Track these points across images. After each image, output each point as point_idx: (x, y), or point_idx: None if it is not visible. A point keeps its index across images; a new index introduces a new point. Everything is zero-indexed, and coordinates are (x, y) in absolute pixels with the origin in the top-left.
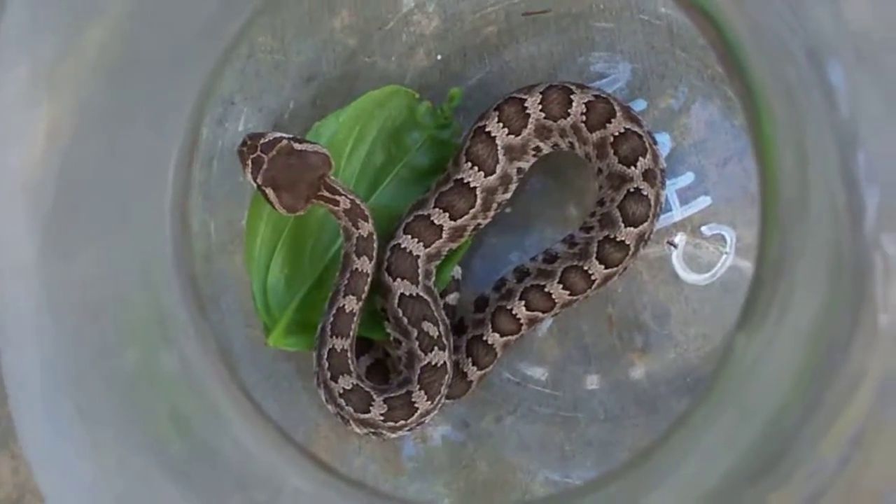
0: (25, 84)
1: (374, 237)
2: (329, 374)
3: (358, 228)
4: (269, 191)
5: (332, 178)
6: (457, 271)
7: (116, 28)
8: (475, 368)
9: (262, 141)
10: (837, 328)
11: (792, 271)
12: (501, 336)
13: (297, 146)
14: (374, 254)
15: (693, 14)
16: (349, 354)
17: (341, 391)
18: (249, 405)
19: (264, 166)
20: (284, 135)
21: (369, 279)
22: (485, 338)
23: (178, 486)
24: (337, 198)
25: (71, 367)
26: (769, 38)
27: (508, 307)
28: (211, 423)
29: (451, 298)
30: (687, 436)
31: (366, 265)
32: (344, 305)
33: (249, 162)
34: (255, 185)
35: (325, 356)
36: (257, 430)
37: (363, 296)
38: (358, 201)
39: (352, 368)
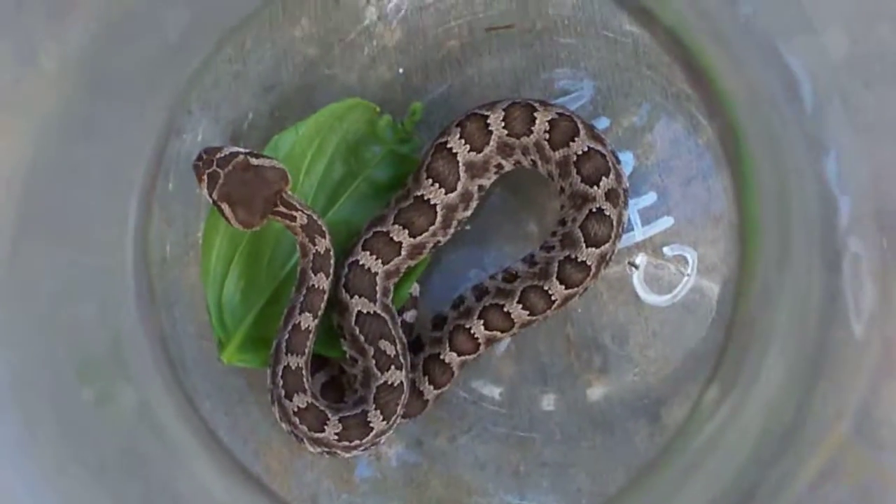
0: None
1: (332, 253)
2: (283, 392)
3: (315, 245)
4: (224, 206)
5: (289, 193)
6: (415, 288)
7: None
8: (432, 387)
9: (218, 156)
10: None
11: (773, 296)
12: (459, 355)
13: (253, 161)
14: (332, 270)
15: (656, 31)
16: (304, 372)
17: (296, 409)
18: (207, 435)
19: (220, 181)
20: (241, 149)
21: (325, 296)
22: (442, 357)
23: None
24: (294, 213)
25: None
26: (740, 56)
27: (467, 326)
28: (168, 458)
29: (409, 316)
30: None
31: (322, 282)
32: (300, 322)
33: (205, 177)
34: (210, 200)
35: (280, 374)
36: (215, 462)
37: (319, 313)
38: (315, 217)
39: (307, 387)
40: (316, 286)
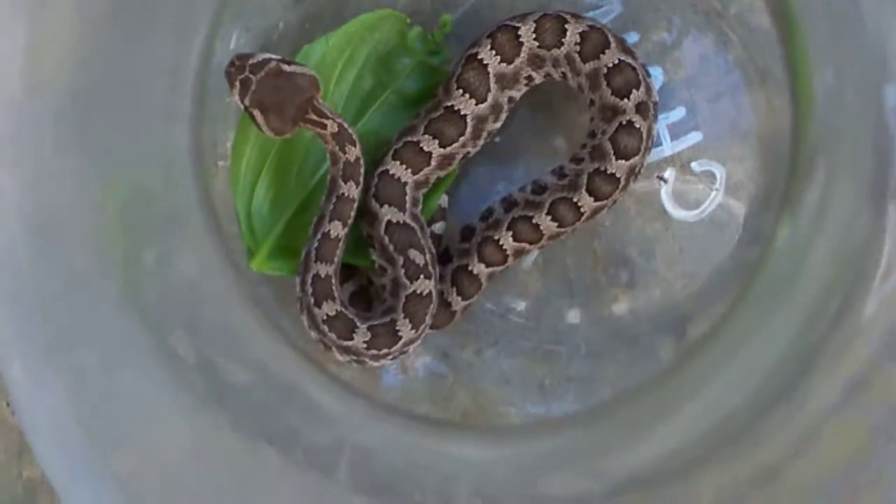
0: None
1: (361, 162)
2: (313, 300)
3: (345, 153)
4: (256, 112)
5: (321, 101)
6: (444, 200)
7: None
8: (459, 298)
9: (250, 62)
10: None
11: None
12: (487, 266)
13: (285, 68)
14: (361, 179)
15: None
16: (333, 281)
17: (325, 317)
18: (262, 317)
19: (252, 87)
20: (273, 56)
21: (355, 205)
22: (470, 268)
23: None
24: (325, 121)
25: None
26: None
27: (495, 237)
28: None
29: (438, 227)
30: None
31: (352, 190)
32: (329, 231)
33: (237, 83)
34: (242, 106)
35: (310, 282)
36: (269, 343)
37: (349, 221)
38: (346, 125)
39: (336, 295)
40: (346, 194)
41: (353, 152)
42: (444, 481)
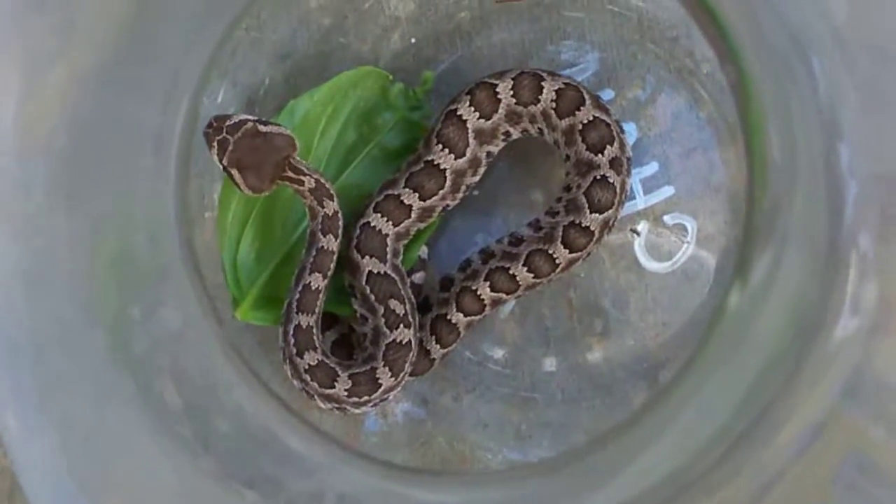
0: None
1: (340, 215)
2: (295, 350)
3: (323, 207)
4: (234, 172)
5: (297, 158)
6: (423, 251)
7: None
8: (438, 347)
9: (227, 123)
10: (805, 328)
11: (770, 265)
12: (465, 316)
13: (262, 128)
14: (340, 232)
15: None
16: (315, 331)
17: (307, 367)
18: (243, 366)
19: (230, 148)
20: (249, 117)
21: (335, 257)
22: (449, 317)
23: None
24: (302, 178)
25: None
26: (760, 25)
27: (473, 287)
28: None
29: (418, 277)
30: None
31: (331, 243)
32: (310, 283)
33: (215, 143)
34: (220, 166)
35: (291, 332)
36: (251, 391)
37: (329, 273)
38: (323, 180)
39: (317, 344)
40: (325, 247)
41: (331, 206)
42: None
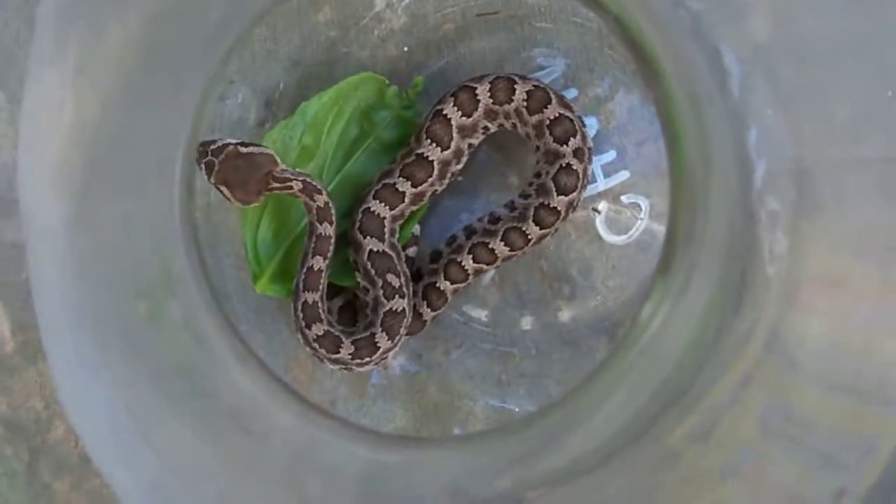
0: (56, 74)
1: (331, 205)
2: (304, 323)
3: (315, 201)
4: (223, 188)
5: (281, 168)
6: (416, 229)
7: (139, 29)
8: (429, 310)
9: (211, 147)
10: (731, 290)
11: (699, 237)
12: (452, 284)
13: (242, 150)
14: (334, 218)
15: (608, 18)
16: (320, 305)
17: (314, 337)
18: (242, 348)
19: (216, 168)
20: (232, 140)
21: (332, 240)
22: (438, 285)
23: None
24: (289, 184)
25: (92, 310)
26: (675, 42)
27: (458, 260)
28: (208, 364)
29: (411, 251)
30: (607, 379)
31: (327, 229)
32: (312, 265)
33: (203, 165)
34: (210, 183)
35: (300, 308)
36: (249, 370)
37: (328, 254)
38: (309, 180)
39: (323, 317)
40: (322, 234)
41: (322, 199)
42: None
